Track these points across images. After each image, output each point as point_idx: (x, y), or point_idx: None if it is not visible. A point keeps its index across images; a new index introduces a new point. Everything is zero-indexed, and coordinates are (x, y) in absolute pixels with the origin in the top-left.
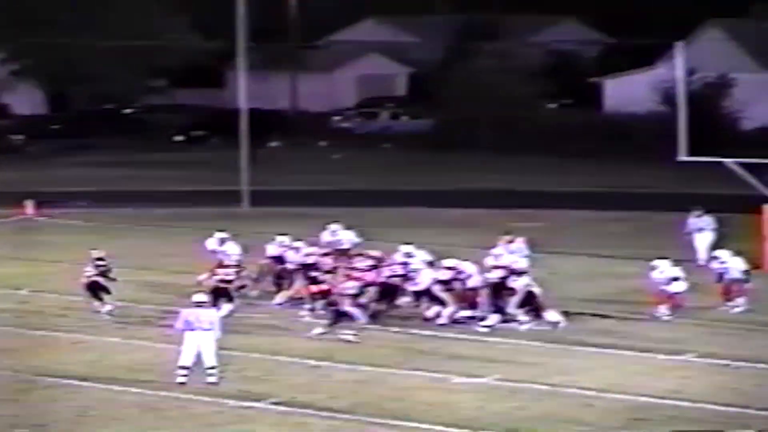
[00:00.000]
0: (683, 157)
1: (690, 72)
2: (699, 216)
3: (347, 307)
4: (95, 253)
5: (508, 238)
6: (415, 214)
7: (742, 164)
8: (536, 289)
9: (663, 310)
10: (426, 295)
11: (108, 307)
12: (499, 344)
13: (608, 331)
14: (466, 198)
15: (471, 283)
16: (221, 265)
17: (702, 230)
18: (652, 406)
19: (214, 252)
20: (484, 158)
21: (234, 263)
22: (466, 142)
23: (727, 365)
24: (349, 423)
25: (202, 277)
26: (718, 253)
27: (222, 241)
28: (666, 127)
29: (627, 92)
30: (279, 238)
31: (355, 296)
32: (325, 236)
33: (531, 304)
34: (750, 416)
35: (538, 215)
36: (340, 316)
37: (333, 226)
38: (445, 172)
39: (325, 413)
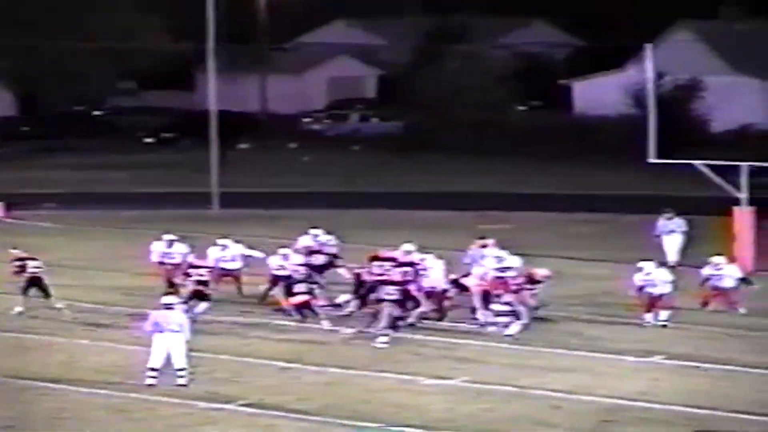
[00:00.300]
0: (653, 159)
1: (660, 74)
2: (670, 218)
3: (392, 312)
4: (16, 253)
5: (481, 242)
6: (385, 216)
7: (711, 166)
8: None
9: (648, 316)
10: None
11: (59, 305)
12: (468, 346)
13: (577, 332)
14: (435, 200)
15: (432, 284)
16: (193, 266)
17: (672, 232)
18: (622, 408)
19: (163, 254)
20: (453, 160)
21: (200, 264)
22: (435, 145)
23: (697, 367)
24: (318, 425)
25: (178, 280)
26: (714, 259)
27: (170, 243)
28: (636, 129)
29: (597, 94)
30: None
31: (398, 302)
32: (305, 241)
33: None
34: (720, 418)
35: (507, 217)
36: (396, 321)
37: (314, 231)
38: (415, 175)
39: (294, 415)
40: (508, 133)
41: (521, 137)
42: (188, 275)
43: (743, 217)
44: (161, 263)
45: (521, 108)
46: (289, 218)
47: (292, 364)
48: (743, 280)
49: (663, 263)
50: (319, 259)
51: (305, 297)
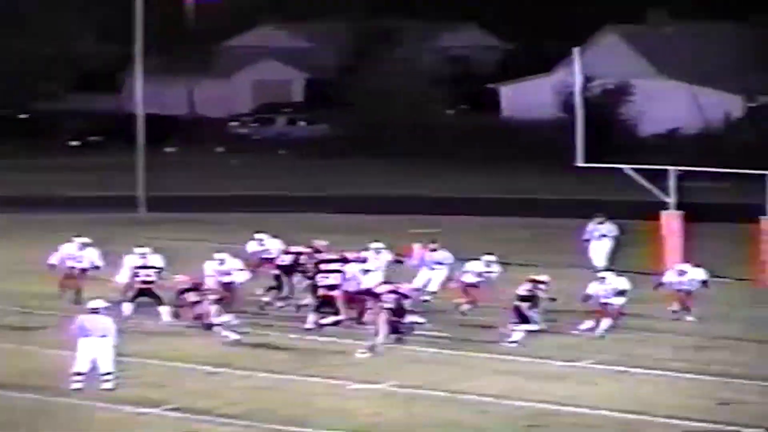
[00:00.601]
0: (581, 163)
1: (588, 78)
2: (600, 222)
3: (386, 321)
4: None
5: (433, 246)
6: (312, 220)
7: (639, 170)
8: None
9: (603, 325)
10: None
11: None
12: (396, 350)
13: (506, 337)
14: (363, 204)
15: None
16: (140, 267)
17: (602, 237)
18: (550, 412)
19: (71, 258)
20: (382, 164)
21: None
22: (363, 149)
23: (625, 372)
24: (245, 429)
25: (122, 280)
26: (681, 266)
27: (83, 246)
28: (564, 133)
29: (525, 98)
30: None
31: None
32: (251, 246)
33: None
34: (647, 423)
35: (436, 221)
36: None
37: (259, 236)
38: (342, 178)
39: (222, 419)
40: (437, 137)
41: (451, 141)
42: (136, 275)
43: (671, 222)
44: (70, 267)
45: (450, 112)
46: (215, 222)
47: (221, 368)
48: (704, 283)
49: (609, 270)
50: (286, 260)
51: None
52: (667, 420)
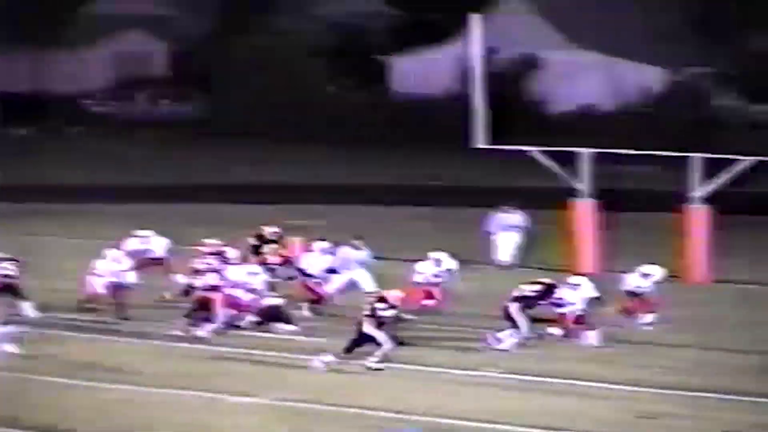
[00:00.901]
0: (482, 145)
1: (490, 50)
2: (508, 213)
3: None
4: None
5: (357, 242)
6: (179, 210)
7: (549, 153)
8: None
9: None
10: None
11: None
12: (280, 360)
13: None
14: (234, 192)
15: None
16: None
17: (510, 229)
18: (444, 428)
19: None
20: (256, 147)
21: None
22: (235, 130)
23: (533, 382)
24: None
25: None
26: (645, 269)
27: None
28: (464, 111)
29: (420, 72)
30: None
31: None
32: (132, 244)
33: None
34: None
35: (319, 212)
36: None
37: (142, 233)
38: (212, 164)
39: None
40: (317, 117)
41: (333, 121)
42: None
43: (584, 211)
44: None
45: (333, 88)
46: (76, 214)
47: (81, 381)
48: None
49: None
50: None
51: None
52: None
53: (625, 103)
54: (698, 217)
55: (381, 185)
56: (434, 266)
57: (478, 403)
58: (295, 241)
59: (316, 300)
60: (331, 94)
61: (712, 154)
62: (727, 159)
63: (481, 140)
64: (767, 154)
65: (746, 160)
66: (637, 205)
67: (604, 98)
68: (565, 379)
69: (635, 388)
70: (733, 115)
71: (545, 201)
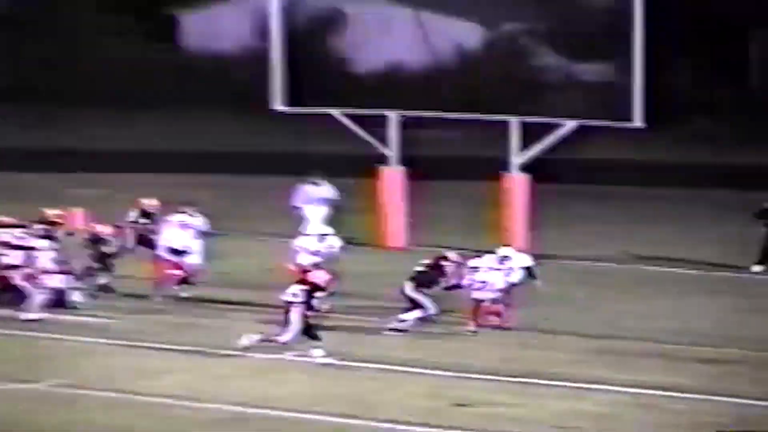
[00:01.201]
0: (281, 107)
1: (289, 3)
2: (316, 184)
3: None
4: None
5: (191, 209)
6: None
7: (354, 116)
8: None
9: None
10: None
11: None
12: (63, 342)
13: (191, 324)
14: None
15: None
16: None
17: (318, 201)
18: (237, 416)
19: None
20: (27, 109)
21: None
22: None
23: (340, 366)
24: None
25: None
26: (502, 250)
27: None
28: (261, 70)
29: (211, 27)
30: None
31: None
32: None
33: None
34: (361, 428)
35: (98, 180)
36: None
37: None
38: None
39: None
40: (100, 76)
41: (118, 80)
42: None
43: (392, 179)
44: None
45: (117, 42)
46: None
47: None
48: (529, 273)
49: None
50: None
51: None
52: (386, 425)
53: (437, 62)
54: (517, 186)
55: (166, 151)
56: (318, 242)
57: (276, 388)
58: (77, 212)
59: (184, 278)
60: (110, 50)
61: (532, 117)
62: (549, 123)
63: (279, 102)
64: (592, 118)
65: (568, 125)
66: (451, 173)
67: (413, 56)
68: (377, 364)
69: (452, 374)
70: (555, 75)
71: (352, 169)
